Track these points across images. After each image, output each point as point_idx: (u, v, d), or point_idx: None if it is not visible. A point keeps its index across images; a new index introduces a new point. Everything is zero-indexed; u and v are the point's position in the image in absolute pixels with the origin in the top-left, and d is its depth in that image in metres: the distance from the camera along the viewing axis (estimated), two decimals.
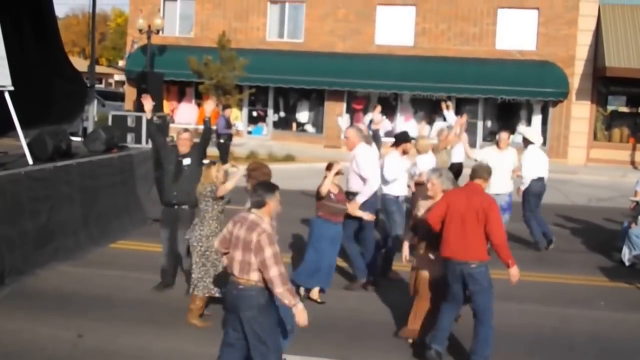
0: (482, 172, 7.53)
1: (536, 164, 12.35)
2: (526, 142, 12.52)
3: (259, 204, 6.04)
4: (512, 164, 12.08)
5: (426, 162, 11.03)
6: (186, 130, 9.55)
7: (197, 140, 9.69)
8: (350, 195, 9.67)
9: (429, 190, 7.80)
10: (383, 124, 13.35)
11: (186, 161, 9.30)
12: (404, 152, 10.59)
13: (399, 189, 10.43)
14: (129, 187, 13.31)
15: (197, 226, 8.36)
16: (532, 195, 12.41)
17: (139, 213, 13.46)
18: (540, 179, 12.43)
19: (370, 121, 12.21)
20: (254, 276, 5.86)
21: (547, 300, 9.74)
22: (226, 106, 20.16)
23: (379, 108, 12.21)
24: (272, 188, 6.15)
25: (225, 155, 19.16)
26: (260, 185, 6.26)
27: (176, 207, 9.20)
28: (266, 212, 6.05)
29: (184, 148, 9.34)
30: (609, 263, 11.94)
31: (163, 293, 9.27)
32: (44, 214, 10.47)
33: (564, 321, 8.92)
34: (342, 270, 10.58)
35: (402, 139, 10.59)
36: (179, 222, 9.14)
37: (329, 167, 9.15)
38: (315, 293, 9.19)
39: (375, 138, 11.13)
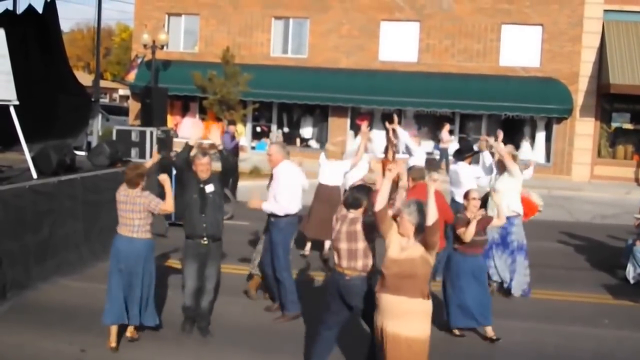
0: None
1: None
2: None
3: (356, 205, 6.89)
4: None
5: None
6: (204, 153, 8.40)
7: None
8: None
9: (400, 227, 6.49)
10: (452, 143, 13.70)
11: (209, 188, 8.33)
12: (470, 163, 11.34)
13: None
14: None
15: None
16: None
17: None
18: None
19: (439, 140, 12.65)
20: (359, 264, 6.77)
21: (551, 317, 9.69)
22: (231, 122, 20.15)
23: (447, 126, 12.76)
24: (367, 191, 6.99)
25: (234, 172, 19.02)
26: (357, 188, 7.14)
27: (206, 240, 8.30)
28: (362, 211, 6.88)
29: (204, 174, 8.31)
30: (613, 281, 11.89)
31: (165, 308, 9.22)
32: (47, 228, 10.47)
33: (567, 339, 8.88)
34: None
35: (468, 149, 11.54)
36: (209, 258, 8.34)
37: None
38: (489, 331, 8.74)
39: (443, 156, 11.50)
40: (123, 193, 8.03)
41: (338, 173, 12.30)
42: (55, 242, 10.65)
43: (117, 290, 7.88)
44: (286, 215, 9.05)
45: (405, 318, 6.09)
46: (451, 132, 28.26)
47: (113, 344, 7.85)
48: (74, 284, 10.33)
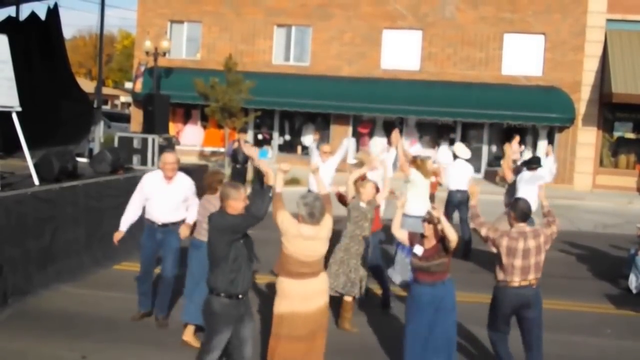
0: None
1: (458, 176, 13.51)
2: (455, 156, 13.88)
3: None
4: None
5: None
6: (233, 185, 6.75)
7: None
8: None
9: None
10: (521, 154, 14.59)
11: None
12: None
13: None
14: None
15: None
16: (450, 206, 13.49)
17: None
18: (460, 191, 13.36)
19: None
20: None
21: (553, 327, 9.64)
22: (242, 130, 20.23)
23: (517, 138, 13.55)
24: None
25: (243, 179, 19.00)
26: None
27: (242, 297, 6.60)
28: None
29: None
30: (615, 290, 11.86)
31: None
32: (48, 234, 10.47)
33: (569, 349, 8.85)
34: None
35: (536, 162, 12.79)
36: (246, 315, 6.72)
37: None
38: None
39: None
40: (203, 198, 8.45)
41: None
42: (56, 248, 10.64)
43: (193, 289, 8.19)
44: None
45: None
46: (453, 141, 28.29)
47: (187, 338, 8.26)
48: (75, 291, 10.31)
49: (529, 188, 12.13)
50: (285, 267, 6.81)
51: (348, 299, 9.07)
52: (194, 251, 8.29)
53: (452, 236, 6.93)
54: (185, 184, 8.99)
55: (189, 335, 8.24)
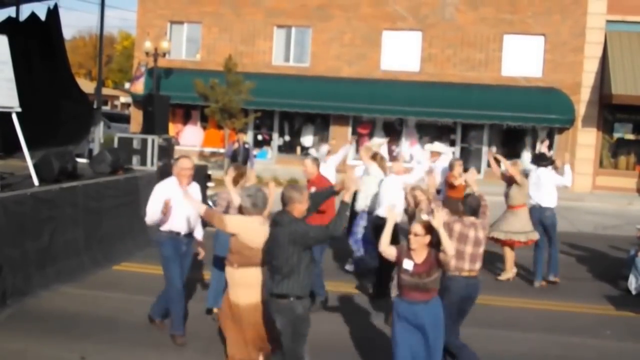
0: None
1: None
2: (435, 154, 13.96)
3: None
4: None
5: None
6: (296, 189, 6.84)
7: None
8: None
9: None
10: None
11: None
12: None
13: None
14: (134, 209, 13.27)
15: None
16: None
17: (143, 235, 13.40)
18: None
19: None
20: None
21: (552, 328, 9.66)
22: (241, 131, 20.28)
23: (547, 142, 13.84)
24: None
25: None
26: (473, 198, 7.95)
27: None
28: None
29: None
30: (615, 291, 11.86)
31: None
32: (48, 235, 10.46)
33: (569, 350, 8.85)
34: None
35: (545, 159, 12.78)
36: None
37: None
38: None
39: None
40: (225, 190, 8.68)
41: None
42: (56, 249, 10.64)
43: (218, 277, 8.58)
44: None
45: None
46: (453, 142, 28.31)
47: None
48: (75, 291, 10.31)
49: (548, 191, 12.33)
50: (253, 260, 6.89)
51: None
52: (219, 241, 8.58)
53: (450, 250, 6.45)
54: (197, 191, 8.57)
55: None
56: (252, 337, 6.97)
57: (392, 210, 6.83)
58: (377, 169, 11.77)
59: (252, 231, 6.86)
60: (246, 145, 18.98)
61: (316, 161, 10.03)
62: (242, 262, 6.88)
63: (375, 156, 12.01)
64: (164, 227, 8.32)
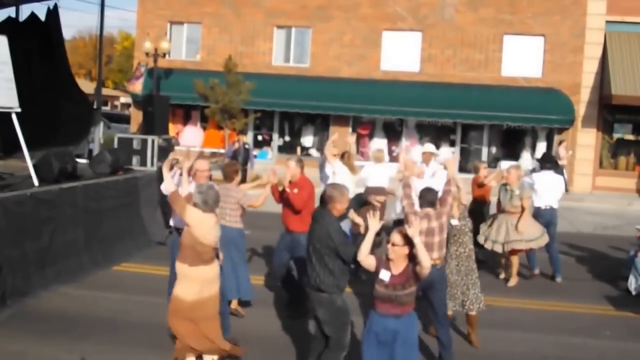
0: None
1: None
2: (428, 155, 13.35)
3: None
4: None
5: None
6: (337, 188, 7.09)
7: None
8: None
9: None
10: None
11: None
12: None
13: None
14: (134, 209, 13.31)
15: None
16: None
17: (143, 236, 13.44)
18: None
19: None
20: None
21: (552, 329, 9.66)
22: (241, 132, 20.31)
23: (564, 143, 13.64)
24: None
25: (242, 181, 19.03)
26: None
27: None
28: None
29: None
30: (614, 292, 11.86)
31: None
32: (48, 235, 10.47)
33: (569, 350, 8.85)
34: None
35: (549, 160, 13.15)
36: None
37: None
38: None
39: (560, 174, 12.69)
40: (221, 186, 8.82)
41: (384, 176, 13.22)
42: (56, 249, 10.64)
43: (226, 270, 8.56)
44: None
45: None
46: (453, 143, 28.33)
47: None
48: (75, 292, 10.31)
49: (550, 195, 12.50)
50: (204, 257, 7.06)
51: (472, 313, 8.80)
52: (228, 238, 8.63)
53: (426, 262, 6.08)
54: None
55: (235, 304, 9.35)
56: (206, 331, 7.10)
57: (375, 217, 6.42)
58: (343, 167, 11.31)
59: (206, 227, 7.02)
60: (246, 146, 19.01)
61: (300, 163, 10.01)
62: (193, 258, 6.95)
63: (343, 155, 11.66)
64: (171, 222, 8.31)
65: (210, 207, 7.09)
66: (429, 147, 13.11)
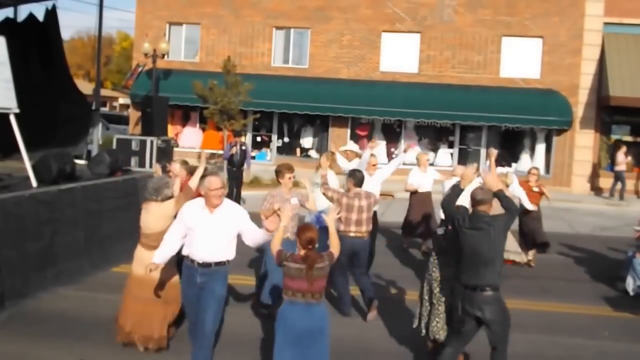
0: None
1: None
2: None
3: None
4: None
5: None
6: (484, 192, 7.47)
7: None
8: None
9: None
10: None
11: None
12: None
13: None
14: (133, 211, 13.25)
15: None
16: None
17: None
18: None
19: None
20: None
21: (551, 329, 9.68)
22: (238, 133, 20.30)
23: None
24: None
25: (238, 182, 19.03)
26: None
27: None
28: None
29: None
30: (613, 293, 11.88)
31: None
32: (46, 236, 10.46)
33: (567, 351, 8.87)
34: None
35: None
36: None
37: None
38: None
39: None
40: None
41: (429, 181, 14.52)
42: (54, 251, 10.63)
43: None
44: None
45: None
46: (452, 144, 28.32)
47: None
48: (74, 293, 10.31)
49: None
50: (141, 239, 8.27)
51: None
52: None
53: (336, 250, 6.57)
54: (234, 214, 7.30)
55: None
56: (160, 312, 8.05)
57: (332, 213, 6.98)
58: (334, 177, 11.85)
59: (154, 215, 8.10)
60: (243, 147, 18.98)
61: (185, 165, 9.78)
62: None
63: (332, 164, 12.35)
64: (184, 250, 7.39)
65: (155, 196, 8.12)
66: (351, 145, 14.22)
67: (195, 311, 7.25)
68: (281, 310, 6.47)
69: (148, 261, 7.37)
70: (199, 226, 7.14)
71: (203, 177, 7.73)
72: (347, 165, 13.03)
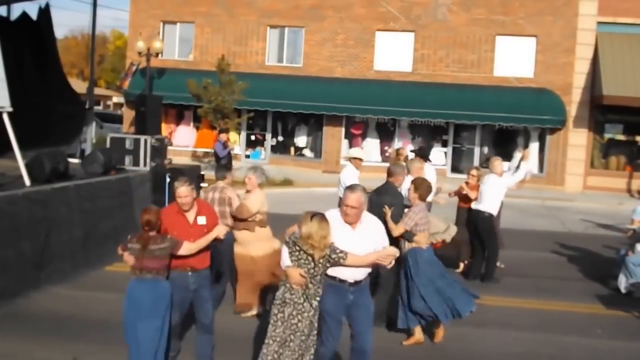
0: None
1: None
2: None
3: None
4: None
5: None
6: None
7: None
8: None
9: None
10: None
11: None
12: None
13: None
14: (126, 209, 13.26)
15: None
16: None
17: None
18: None
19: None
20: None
21: (544, 328, 9.71)
22: (222, 130, 20.26)
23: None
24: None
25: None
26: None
27: None
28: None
29: None
30: (605, 291, 11.91)
31: None
32: (40, 235, 10.43)
33: (560, 349, 8.89)
34: None
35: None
36: None
37: None
38: None
39: None
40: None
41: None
42: (48, 249, 10.60)
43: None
44: None
45: None
46: (446, 143, 28.38)
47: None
48: (67, 292, 10.29)
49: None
50: None
51: None
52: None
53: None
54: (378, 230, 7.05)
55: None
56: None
57: None
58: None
59: None
60: (228, 145, 19.06)
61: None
62: None
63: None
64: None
65: None
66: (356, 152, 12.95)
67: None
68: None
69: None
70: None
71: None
72: (346, 178, 11.53)
